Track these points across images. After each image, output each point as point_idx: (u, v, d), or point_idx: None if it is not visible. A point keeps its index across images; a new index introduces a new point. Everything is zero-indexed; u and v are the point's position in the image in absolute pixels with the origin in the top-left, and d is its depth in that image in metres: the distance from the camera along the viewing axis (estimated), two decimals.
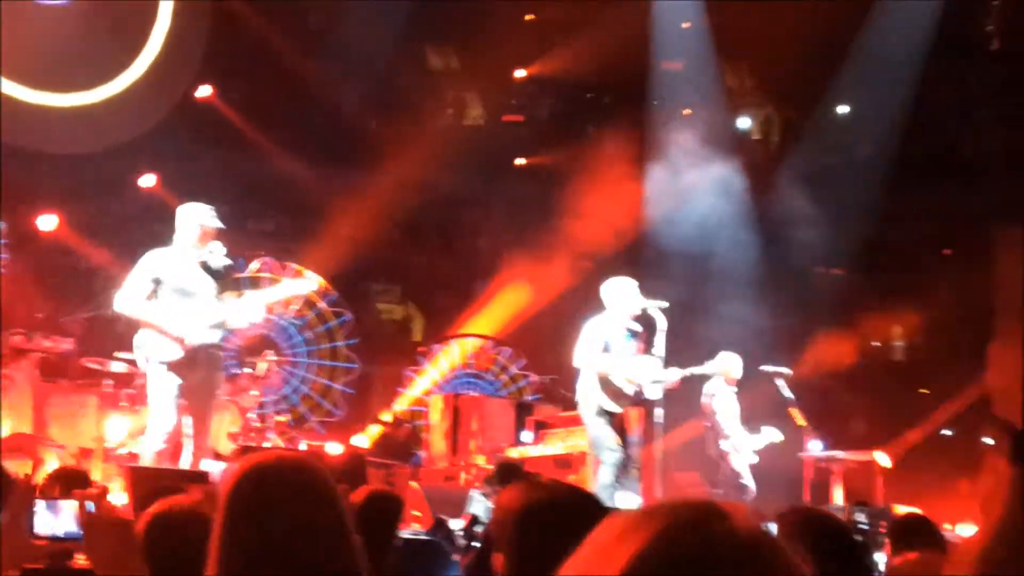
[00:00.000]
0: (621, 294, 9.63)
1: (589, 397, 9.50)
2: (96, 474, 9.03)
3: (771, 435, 11.35)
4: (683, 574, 1.20)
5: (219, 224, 8.37)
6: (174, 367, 8.13)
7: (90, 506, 5.60)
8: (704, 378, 11.08)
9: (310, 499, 2.18)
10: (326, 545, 2.16)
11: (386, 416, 14.20)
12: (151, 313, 8.16)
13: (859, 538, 4.80)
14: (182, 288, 8.21)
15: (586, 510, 2.50)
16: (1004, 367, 11.63)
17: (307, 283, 9.72)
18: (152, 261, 8.26)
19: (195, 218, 8.35)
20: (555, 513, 2.46)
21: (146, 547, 3.02)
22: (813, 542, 4.10)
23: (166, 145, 14.82)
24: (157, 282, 8.20)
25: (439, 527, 7.83)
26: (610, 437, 9.46)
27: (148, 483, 6.81)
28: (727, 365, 11.21)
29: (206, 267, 8.33)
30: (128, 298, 8.23)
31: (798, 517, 4.31)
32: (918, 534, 5.13)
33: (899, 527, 5.37)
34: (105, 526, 2.34)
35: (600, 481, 9.41)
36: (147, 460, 8.19)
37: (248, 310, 8.54)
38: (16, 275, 13.66)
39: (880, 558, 6.23)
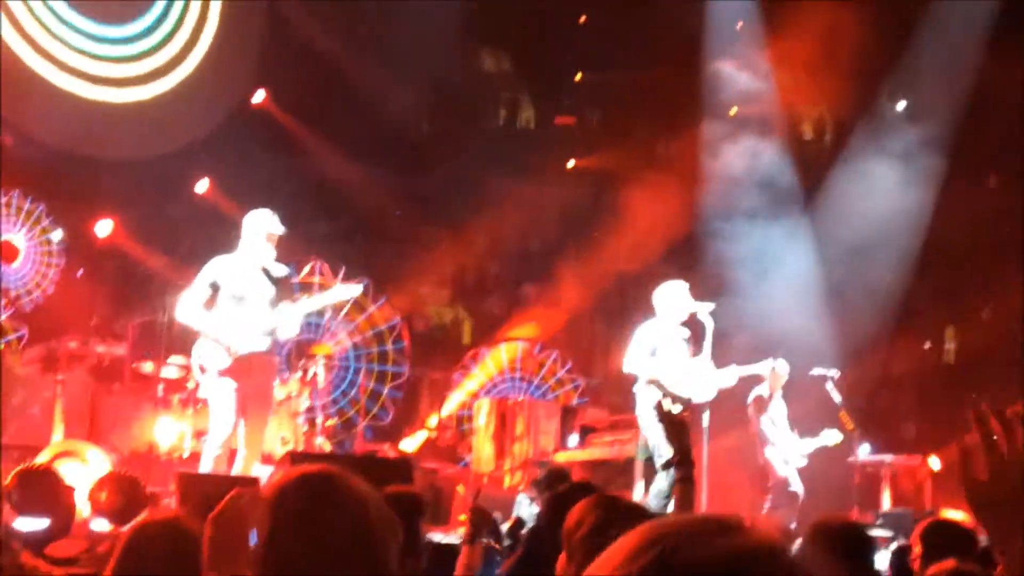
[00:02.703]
0: (672, 298, 9.61)
1: (647, 402, 9.46)
2: (148, 479, 9.18)
3: (830, 437, 11.29)
4: None
5: (282, 229, 8.51)
6: (228, 374, 8.28)
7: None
8: (756, 380, 11.04)
9: (347, 511, 2.21)
10: (360, 557, 2.20)
11: (433, 420, 14.27)
12: (204, 321, 8.32)
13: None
14: (238, 295, 8.34)
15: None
16: None
17: (356, 287, 9.80)
18: (213, 267, 8.41)
19: (262, 224, 8.49)
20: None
21: (120, 559, 3.08)
22: (842, 551, 4.12)
23: (219, 149, 14.98)
24: (215, 287, 8.34)
25: (491, 528, 7.87)
26: (668, 443, 9.39)
27: (198, 488, 6.93)
28: (773, 369, 11.18)
29: (267, 274, 8.47)
30: (187, 305, 8.40)
31: (823, 527, 4.33)
32: (954, 541, 4.98)
33: (932, 533, 5.15)
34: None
35: (657, 487, 9.35)
36: (206, 465, 8.34)
37: (298, 319, 8.66)
38: (72, 280, 13.93)
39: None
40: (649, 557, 1.27)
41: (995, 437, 1.83)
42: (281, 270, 8.59)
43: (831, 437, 11.27)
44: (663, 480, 9.34)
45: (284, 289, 8.62)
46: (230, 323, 8.28)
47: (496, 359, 15.12)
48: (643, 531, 1.30)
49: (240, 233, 8.55)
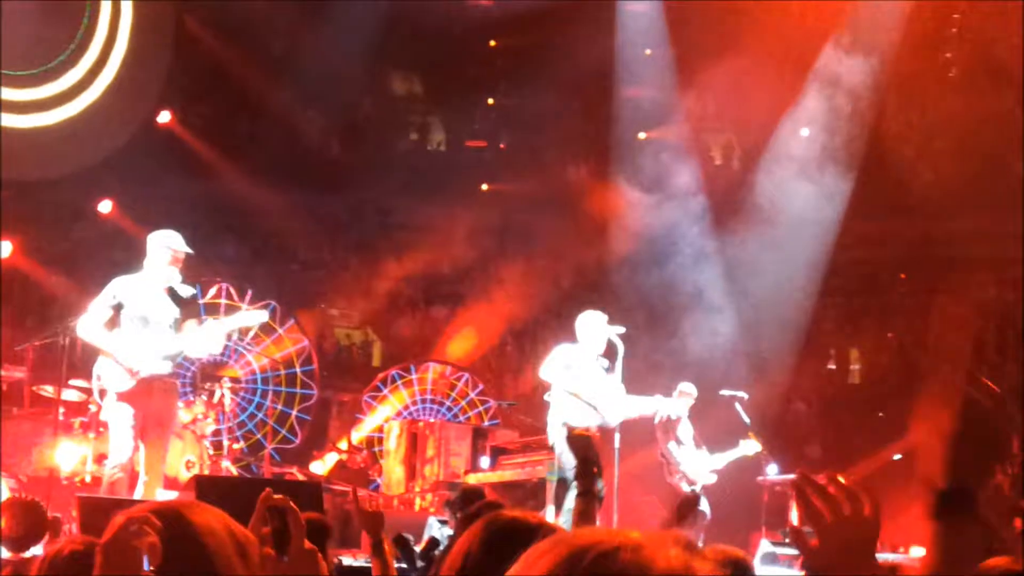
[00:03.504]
0: (593, 327, 9.72)
1: (558, 418, 9.50)
2: (49, 504, 8.94)
3: (748, 447, 11.39)
4: None
5: (187, 249, 8.38)
6: (128, 396, 8.12)
7: None
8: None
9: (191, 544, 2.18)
10: None
11: (343, 443, 14.14)
12: (107, 341, 8.14)
13: None
14: (143, 316, 8.20)
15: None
16: (928, 425, 11.63)
17: (263, 313, 9.74)
18: (116, 287, 8.25)
19: (165, 243, 8.34)
20: (512, 545, 2.45)
21: None
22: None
23: (124, 170, 14.74)
24: (118, 308, 8.18)
25: (401, 544, 7.81)
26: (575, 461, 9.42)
27: (99, 513, 6.77)
28: (680, 391, 11.29)
29: (172, 294, 8.34)
30: (89, 324, 8.22)
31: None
32: None
33: None
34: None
35: (567, 505, 9.37)
36: (104, 489, 8.16)
37: (207, 340, 8.53)
38: None
39: None
40: (546, 564, 1.29)
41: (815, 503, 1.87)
42: (187, 291, 8.46)
43: (750, 447, 11.39)
44: (572, 498, 9.38)
45: (190, 310, 8.50)
46: (133, 345, 8.13)
47: (408, 383, 15.05)
48: (548, 542, 1.33)
49: (144, 254, 8.41)
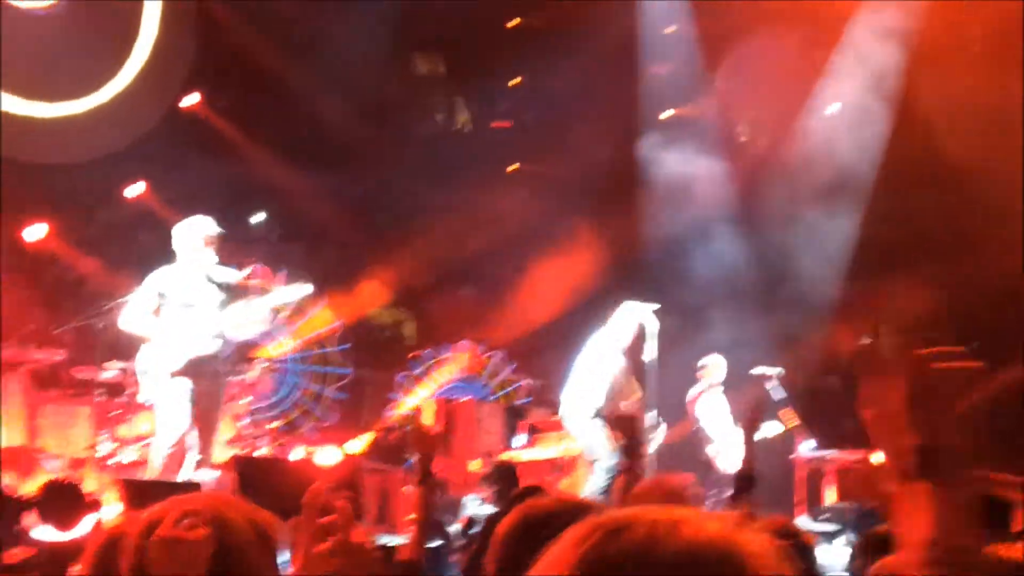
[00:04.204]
0: (624, 315, 9.86)
1: (585, 401, 9.60)
2: (89, 485, 9.01)
3: (770, 428, 11.42)
4: (623, 570, 1.27)
5: (217, 230, 8.45)
6: (176, 379, 8.25)
7: None
8: (695, 378, 11.23)
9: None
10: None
11: (378, 422, 14.20)
12: (152, 329, 8.29)
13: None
14: (185, 302, 8.35)
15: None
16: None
17: (307, 286, 9.79)
18: (155, 280, 8.40)
19: (195, 230, 8.44)
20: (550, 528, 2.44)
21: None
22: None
23: (154, 153, 14.80)
24: (161, 297, 8.32)
25: (437, 530, 7.87)
26: (606, 442, 9.51)
27: (140, 494, 6.84)
28: (710, 366, 11.34)
29: (210, 279, 8.44)
30: (131, 315, 8.35)
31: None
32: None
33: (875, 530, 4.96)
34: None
35: (593, 485, 9.47)
36: (156, 467, 8.30)
37: (253, 320, 8.64)
38: (6, 287, 13.65)
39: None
40: (591, 543, 1.30)
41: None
42: (228, 273, 8.59)
43: (771, 428, 11.41)
44: (599, 477, 9.47)
45: (233, 291, 8.60)
46: (179, 328, 8.25)
47: (441, 362, 15.10)
48: (588, 521, 1.34)
49: (174, 241, 8.50)
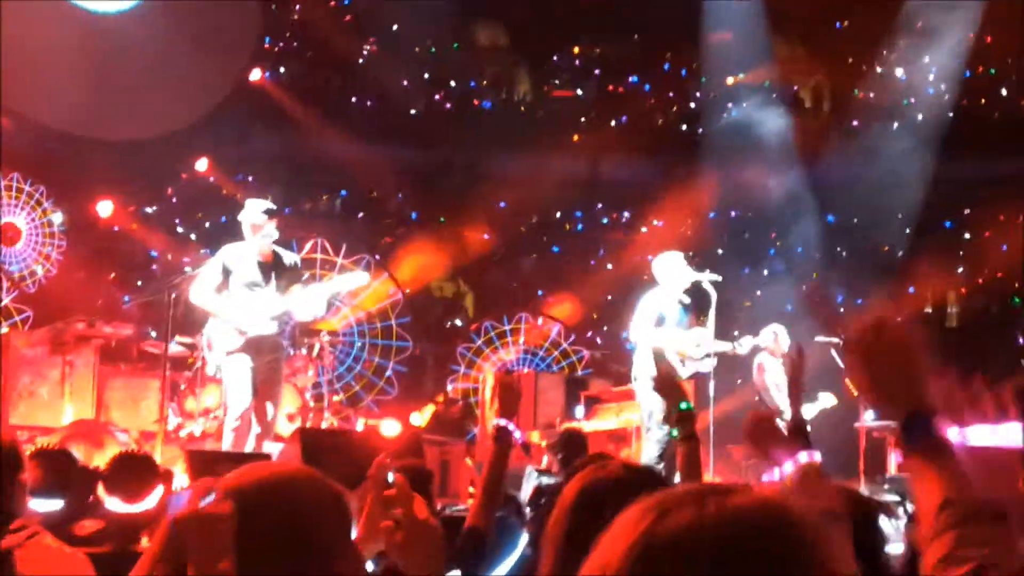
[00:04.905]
0: (671, 268, 9.84)
1: (644, 370, 9.60)
2: (157, 457, 9.21)
3: (826, 400, 11.37)
4: (674, 551, 1.27)
5: (264, 215, 8.61)
6: (238, 355, 8.46)
7: None
8: (754, 350, 11.15)
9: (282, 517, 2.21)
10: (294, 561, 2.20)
11: (440, 394, 14.33)
12: (217, 305, 8.51)
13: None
14: (249, 281, 8.54)
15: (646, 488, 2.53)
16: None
17: (364, 275, 10.08)
18: (224, 255, 8.63)
19: (248, 216, 8.63)
20: (616, 494, 2.47)
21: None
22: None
23: (219, 128, 14.97)
24: (227, 274, 8.52)
25: (509, 502, 7.92)
26: (662, 411, 9.49)
27: (207, 466, 6.98)
28: (773, 337, 11.29)
29: (277, 260, 8.63)
30: (199, 289, 8.60)
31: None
32: None
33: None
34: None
35: (647, 454, 9.48)
36: (227, 440, 8.52)
37: (312, 302, 8.79)
38: (75, 262, 13.95)
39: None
40: (646, 523, 1.30)
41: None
42: (289, 257, 8.79)
43: (827, 400, 11.38)
44: (652, 447, 9.47)
45: (296, 274, 8.79)
46: (241, 307, 8.46)
47: (500, 333, 15.17)
48: (643, 501, 1.34)
49: (240, 217, 8.72)
